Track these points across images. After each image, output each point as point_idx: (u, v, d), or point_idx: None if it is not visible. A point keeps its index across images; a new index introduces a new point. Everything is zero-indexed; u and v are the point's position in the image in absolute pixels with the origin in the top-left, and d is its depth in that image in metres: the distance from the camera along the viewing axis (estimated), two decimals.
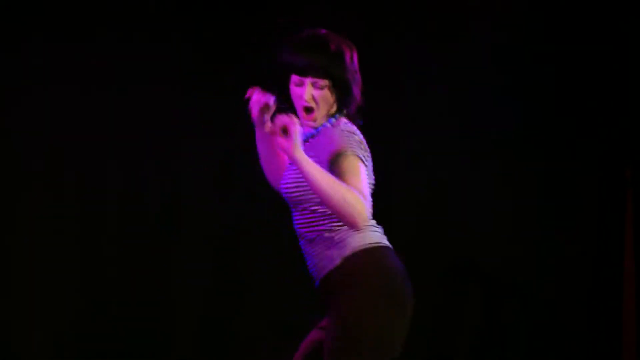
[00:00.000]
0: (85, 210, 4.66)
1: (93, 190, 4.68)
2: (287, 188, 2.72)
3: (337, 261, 2.65)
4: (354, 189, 2.53)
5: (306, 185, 2.63)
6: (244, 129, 3.22)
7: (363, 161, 2.63)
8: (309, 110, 2.76)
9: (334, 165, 2.61)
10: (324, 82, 2.73)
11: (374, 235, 2.68)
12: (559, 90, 4.87)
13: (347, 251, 2.66)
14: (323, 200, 2.55)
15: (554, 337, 4.82)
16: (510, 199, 4.84)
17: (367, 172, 2.66)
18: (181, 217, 4.72)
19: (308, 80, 2.73)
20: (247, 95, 2.72)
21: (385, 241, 2.69)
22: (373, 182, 2.73)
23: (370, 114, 2.88)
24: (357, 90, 2.79)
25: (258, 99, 2.72)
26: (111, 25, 4.61)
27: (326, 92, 2.75)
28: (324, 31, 2.79)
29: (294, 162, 2.57)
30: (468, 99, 4.78)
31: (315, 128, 2.77)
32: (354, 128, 2.74)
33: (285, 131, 2.57)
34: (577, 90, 4.88)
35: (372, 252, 2.65)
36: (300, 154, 2.55)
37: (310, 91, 2.74)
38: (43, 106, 4.56)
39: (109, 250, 4.68)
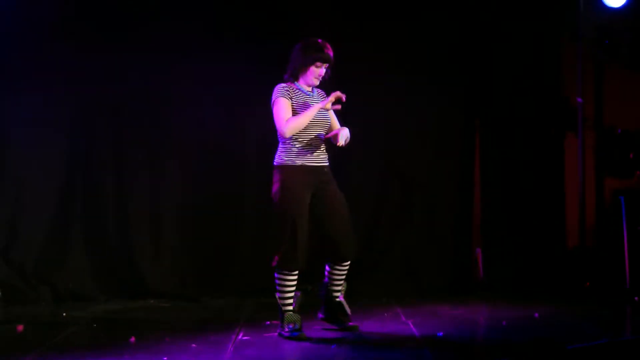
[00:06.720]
0: None
1: None
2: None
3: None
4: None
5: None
6: None
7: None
8: (319, 80, 4.59)
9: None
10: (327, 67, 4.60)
11: None
12: (428, 65, 6.14)
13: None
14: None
15: (435, 218, 6.42)
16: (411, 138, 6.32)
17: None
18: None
19: (326, 65, 4.53)
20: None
21: None
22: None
23: None
24: None
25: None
26: None
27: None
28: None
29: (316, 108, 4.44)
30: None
31: (311, 90, 4.63)
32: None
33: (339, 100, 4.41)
34: (443, 62, 6.15)
35: None
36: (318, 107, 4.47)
37: (323, 71, 4.58)
38: None
39: None
